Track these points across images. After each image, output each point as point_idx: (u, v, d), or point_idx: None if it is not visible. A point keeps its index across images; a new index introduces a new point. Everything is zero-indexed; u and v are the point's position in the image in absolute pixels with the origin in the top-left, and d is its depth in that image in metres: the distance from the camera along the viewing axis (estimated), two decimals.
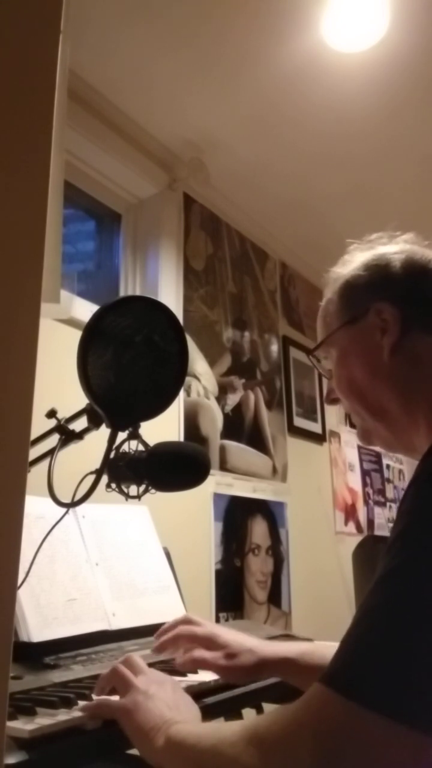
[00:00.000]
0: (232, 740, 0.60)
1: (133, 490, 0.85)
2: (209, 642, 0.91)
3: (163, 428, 1.36)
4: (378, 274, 0.86)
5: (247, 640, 0.93)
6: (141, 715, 0.72)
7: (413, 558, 0.58)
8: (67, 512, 0.91)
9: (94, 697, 0.80)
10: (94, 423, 0.87)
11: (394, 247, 0.89)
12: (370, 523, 3.18)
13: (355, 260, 0.90)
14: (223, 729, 0.64)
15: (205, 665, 0.88)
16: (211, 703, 0.87)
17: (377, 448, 1.00)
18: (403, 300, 0.83)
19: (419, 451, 0.80)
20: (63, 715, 0.72)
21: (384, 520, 3.29)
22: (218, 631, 0.93)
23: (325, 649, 0.88)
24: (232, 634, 0.93)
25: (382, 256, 0.88)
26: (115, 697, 0.77)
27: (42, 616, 0.99)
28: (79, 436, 0.90)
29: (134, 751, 0.75)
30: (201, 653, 0.90)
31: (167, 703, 0.74)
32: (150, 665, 0.84)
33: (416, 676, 0.54)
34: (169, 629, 0.96)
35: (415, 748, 0.52)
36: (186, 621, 0.96)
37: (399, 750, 0.53)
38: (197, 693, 0.85)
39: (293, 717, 0.58)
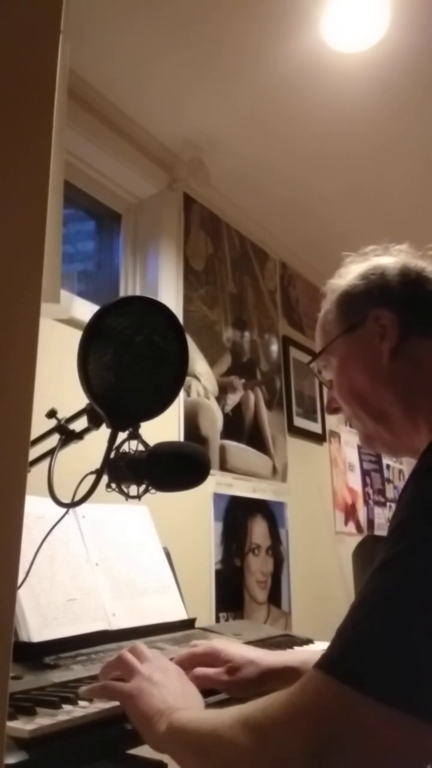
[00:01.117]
0: (229, 723, 0.61)
1: (133, 490, 0.85)
2: (211, 659, 0.91)
3: (163, 428, 1.37)
4: (375, 282, 0.88)
5: (249, 651, 0.93)
6: (145, 700, 0.73)
7: (411, 547, 0.59)
8: (67, 512, 0.91)
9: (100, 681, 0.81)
10: (94, 423, 0.87)
11: (389, 258, 0.91)
12: (370, 523, 3.18)
13: (351, 272, 0.92)
14: (221, 714, 0.65)
15: (208, 682, 0.88)
16: (211, 703, 0.87)
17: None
18: (400, 305, 0.85)
19: (420, 452, 0.80)
20: (63, 715, 0.72)
21: (384, 520, 3.29)
22: (219, 646, 0.92)
23: None
24: (233, 648, 0.93)
25: (377, 265, 0.90)
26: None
27: (42, 616, 0.99)
28: (79, 436, 0.90)
29: (134, 751, 0.75)
30: (203, 670, 0.89)
31: (171, 689, 0.76)
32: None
33: (412, 661, 0.54)
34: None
35: (411, 732, 0.53)
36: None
37: (394, 734, 0.53)
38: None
39: (288, 701, 0.59)
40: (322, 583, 2.63)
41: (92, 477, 0.81)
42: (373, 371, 0.85)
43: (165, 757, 0.72)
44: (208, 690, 0.88)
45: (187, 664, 0.91)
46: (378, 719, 0.53)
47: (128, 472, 0.84)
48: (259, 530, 2.31)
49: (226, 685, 0.88)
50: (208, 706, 0.80)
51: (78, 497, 0.80)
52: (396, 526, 0.61)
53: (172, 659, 0.93)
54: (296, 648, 1.21)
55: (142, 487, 0.85)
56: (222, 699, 0.89)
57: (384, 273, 0.88)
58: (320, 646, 1.24)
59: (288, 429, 2.65)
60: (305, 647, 1.24)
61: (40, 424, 0.75)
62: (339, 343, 0.90)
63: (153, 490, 0.85)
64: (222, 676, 0.88)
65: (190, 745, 0.65)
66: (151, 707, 0.72)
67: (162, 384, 0.86)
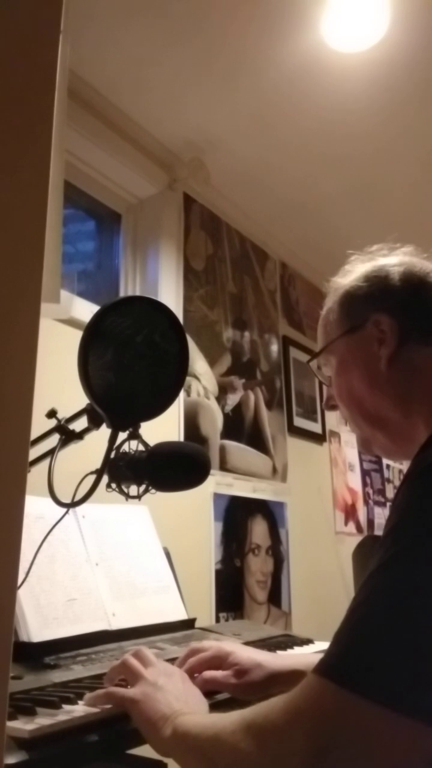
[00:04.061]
0: (231, 729, 0.62)
1: (133, 490, 0.85)
2: (219, 661, 0.91)
3: (163, 428, 1.36)
4: (377, 286, 0.88)
5: (257, 654, 0.93)
6: (149, 705, 0.74)
7: (405, 550, 0.59)
8: (67, 512, 0.91)
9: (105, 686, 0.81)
10: (95, 423, 0.87)
11: (394, 259, 0.91)
12: (370, 523, 3.18)
13: (355, 271, 0.92)
14: (224, 719, 0.66)
15: (216, 685, 0.89)
16: (211, 703, 0.87)
17: None
18: (400, 311, 0.85)
19: None
20: (63, 715, 0.72)
21: (384, 520, 3.29)
22: (227, 649, 0.93)
23: None
24: (241, 650, 0.93)
25: (381, 268, 0.90)
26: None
27: (42, 616, 0.99)
28: (79, 436, 0.90)
29: (134, 751, 0.75)
30: (211, 673, 0.90)
31: (175, 694, 0.76)
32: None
33: (409, 663, 0.54)
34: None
35: (409, 734, 0.53)
36: (192, 652, 0.94)
37: (393, 736, 0.53)
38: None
39: (288, 706, 0.60)
40: (322, 583, 2.63)
41: (92, 477, 0.81)
42: (371, 376, 0.86)
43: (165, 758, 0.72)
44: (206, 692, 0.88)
45: (196, 667, 0.91)
46: (376, 722, 0.53)
47: (128, 472, 0.84)
48: (259, 530, 2.31)
49: (233, 688, 0.89)
50: (212, 705, 0.81)
51: (78, 497, 0.80)
52: (390, 530, 0.62)
53: (175, 659, 0.93)
54: (299, 649, 1.21)
55: (142, 487, 0.85)
56: (227, 697, 0.89)
57: (387, 276, 0.88)
58: (321, 646, 1.24)
59: (288, 429, 2.65)
60: (307, 648, 1.23)
61: (40, 424, 0.75)
62: (339, 344, 0.90)
63: (153, 490, 0.85)
64: (229, 680, 0.89)
65: (194, 749, 0.66)
66: (156, 712, 0.72)
67: (162, 384, 0.86)
